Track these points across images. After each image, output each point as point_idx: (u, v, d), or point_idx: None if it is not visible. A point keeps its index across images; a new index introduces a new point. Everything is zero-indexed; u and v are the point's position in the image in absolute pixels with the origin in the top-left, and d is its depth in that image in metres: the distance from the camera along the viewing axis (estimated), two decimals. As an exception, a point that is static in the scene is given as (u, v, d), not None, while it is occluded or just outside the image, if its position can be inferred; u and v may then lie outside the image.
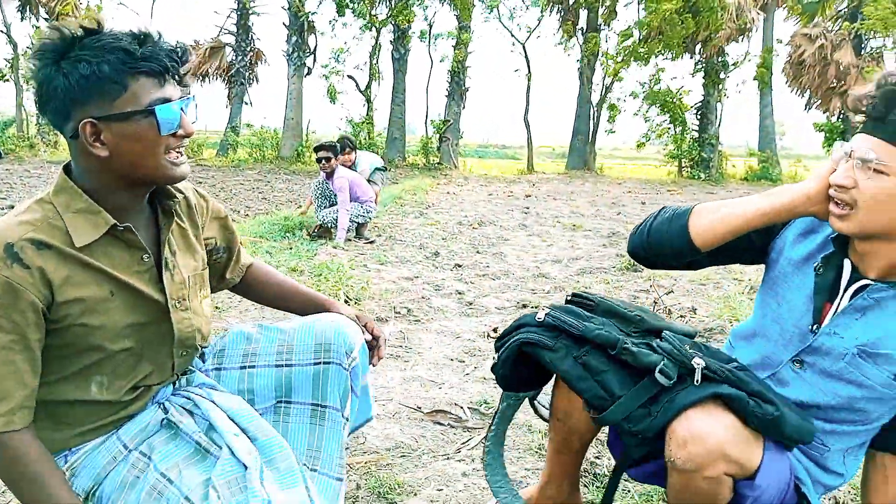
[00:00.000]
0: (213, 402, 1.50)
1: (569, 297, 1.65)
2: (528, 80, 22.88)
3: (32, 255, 1.25)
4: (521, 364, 1.55)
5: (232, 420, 1.46)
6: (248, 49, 24.02)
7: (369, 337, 1.76)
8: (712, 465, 1.28)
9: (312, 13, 22.38)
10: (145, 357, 1.44)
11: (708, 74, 22.05)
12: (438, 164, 21.49)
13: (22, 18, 23.20)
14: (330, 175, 6.81)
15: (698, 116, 22.37)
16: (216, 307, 4.14)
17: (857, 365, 1.39)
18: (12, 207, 8.02)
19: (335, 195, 6.81)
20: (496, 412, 1.80)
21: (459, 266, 5.90)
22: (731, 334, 1.69)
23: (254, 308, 4.17)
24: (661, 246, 1.53)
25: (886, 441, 1.48)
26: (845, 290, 1.42)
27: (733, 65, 22.30)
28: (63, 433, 1.39)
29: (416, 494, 2.10)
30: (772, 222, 1.45)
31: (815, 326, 1.44)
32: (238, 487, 1.30)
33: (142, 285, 1.39)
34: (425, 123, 23.00)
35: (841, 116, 22.75)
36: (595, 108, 23.22)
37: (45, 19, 22.34)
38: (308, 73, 22.65)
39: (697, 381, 1.32)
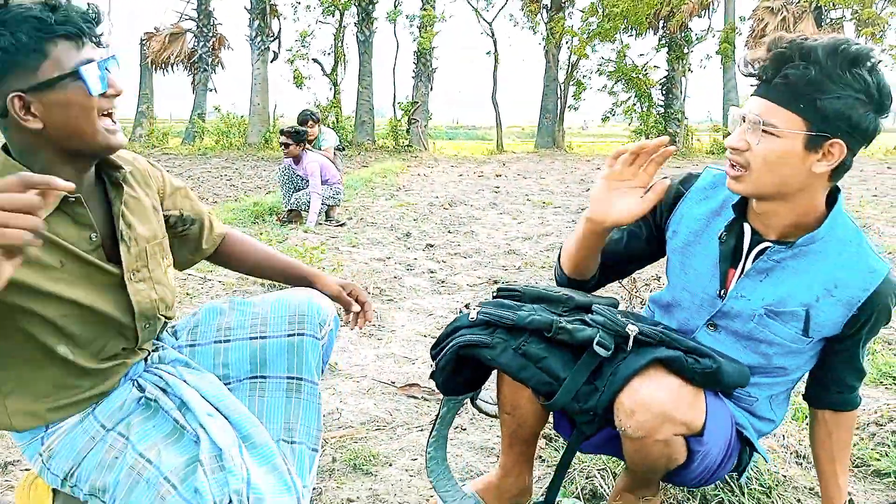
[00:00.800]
0: (184, 381, 1.50)
1: (495, 293, 1.67)
2: (496, 60, 22.86)
3: None
4: (460, 367, 1.55)
5: (204, 399, 1.46)
6: (211, 35, 23.61)
7: (357, 307, 1.78)
8: (661, 429, 1.35)
9: (275, -4, 22.05)
10: (105, 326, 1.41)
11: (672, 50, 22.22)
12: (408, 146, 21.42)
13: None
14: (297, 160, 6.78)
15: (663, 92, 22.57)
16: (187, 293, 4.13)
17: (765, 324, 1.46)
18: None
19: (302, 180, 6.78)
20: (437, 417, 1.76)
21: (431, 246, 5.93)
22: (649, 301, 1.74)
23: (224, 293, 4.16)
24: (564, 284, 1.70)
25: (824, 399, 1.58)
26: (748, 255, 1.48)
27: (697, 39, 22.48)
28: (37, 405, 1.37)
29: (391, 465, 2.14)
30: (596, 244, 1.59)
31: (722, 292, 1.50)
32: (217, 465, 1.31)
33: (95, 258, 1.36)
34: (393, 106, 22.88)
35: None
36: (562, 87, 23.30)
37: (-1, 8, 21.72)
38: (274, 59, 22.37)
39: (631, 347, 1.37)
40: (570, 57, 22.81)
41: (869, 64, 1.28)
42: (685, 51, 22.31)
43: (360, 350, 3.23)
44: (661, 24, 22.14)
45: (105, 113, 1.32)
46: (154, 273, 1.50)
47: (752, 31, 23.27)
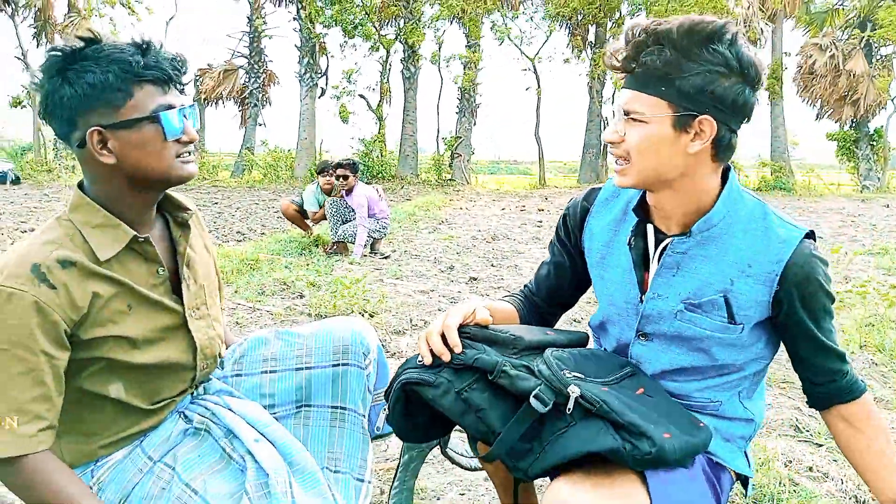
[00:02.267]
0: (229, 409, 1.53)
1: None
2: (539, 95, 23.01)
3: (59, 273, 1.26)
4: (414, 407, 1.43)
5: (250, 425, 1.49)
6: (261, 71, 24.37)
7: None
8: None
9: (323, 35, 22.69)
10: (166, 369, 1.45)
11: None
12: (450, 180, 21.60)
13: (38, 45, 23.69)
14: (348, 192, 6.91)
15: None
16: (237, 322, 4.21)
17: (689, 319, 1.39)
18: (33, 231, 8.18)
19: (350, 212, 6.89)
20: (398, 467, 1.65)
21: (475, 279, 5.94)
22: (590, 327, 1.68)
23: (272, 323, 4.23)
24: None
25: (821, 397, 1.45)
26: (654, 254, 1.44)
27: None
28: (90, 444, 1.40)
29: (439, 499, 2.14)
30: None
31: (642, 297, 1.45)
32: (263, 493, 1.33)
33: (159, 296, 1.41)
34: (437, 141, 23.16)
35: (854, 125, 22.67)
36: (605, 122, 23.27)
37: (62, 46, 22.74)
38: (321, 95, 22.93)
39: (569, 410, 1.25)
40: (613, 92, 22.82)
41: (727, 38, 1.25)
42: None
43: (406, 382, 3.24)
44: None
45: (180, 153, 1.38)
46: (212, 310, 1.55)
47: (800, 67, 23.01)
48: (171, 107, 1.34)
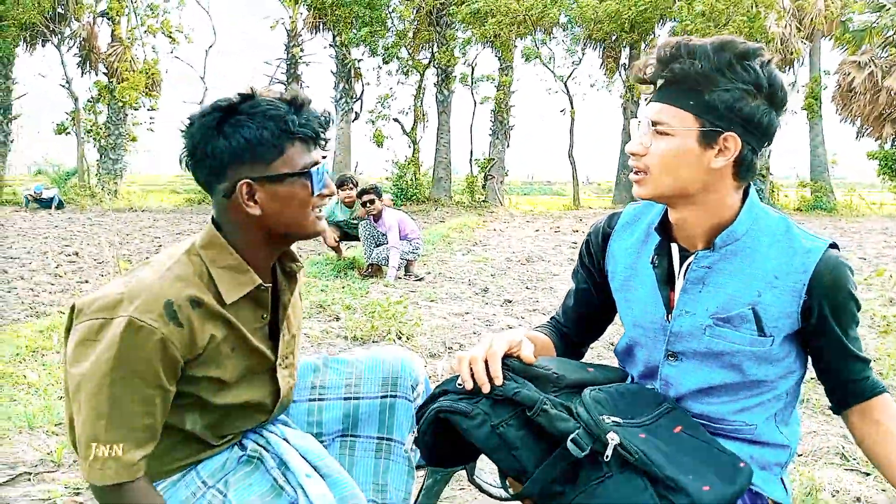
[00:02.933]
0: (285, 438, 1.54)
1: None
2: (572, 116, 23.01)
3: (188, 312, 1.29)
4: (444, 433, 1.39)
5: (304, 458, 1.49)
6: (297, 96, 24.75)
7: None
8: None
9: (359, 60, 23.06)
10: (246, 408, 1.48)
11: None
12: (484, 202, 21.64)
13: (82, 73, 24.49)
14: (377, 217, 6.97)
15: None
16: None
17: (718, 334, 1.37)
18: (76, 254, 8.42)
19: (382, 236, 6.95)
20: (421, 489, 1.59)
21: (510, 302, 5.93)
22: (615, 355, 1.66)
23: (310, 346, 4.27)
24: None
25: (842, 398, 1.42)
26: (680, 272, 1.42)
27: (781, 95, 21.99)
28: (153, 467, 1.41)
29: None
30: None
31: (668, 316, 1.43)
32: None
33: (257, 342, 1.44)
34: (470, 162, 23.25)
35: (894, 143, 22.19)
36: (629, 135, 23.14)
37: (105, 74, 23.50)
38: (356, 119, 23.25)
39: (607, 458, 1.21)
40: (647, 112, 22.73)
41: (759, 59, 1.26)
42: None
43: (442, 406, 3.24)
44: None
45: (317, 208, 1.43)
46: (295, 361, 1.58)
47: (839, 85, 22.65)
48: (317, 163, 1.39)
